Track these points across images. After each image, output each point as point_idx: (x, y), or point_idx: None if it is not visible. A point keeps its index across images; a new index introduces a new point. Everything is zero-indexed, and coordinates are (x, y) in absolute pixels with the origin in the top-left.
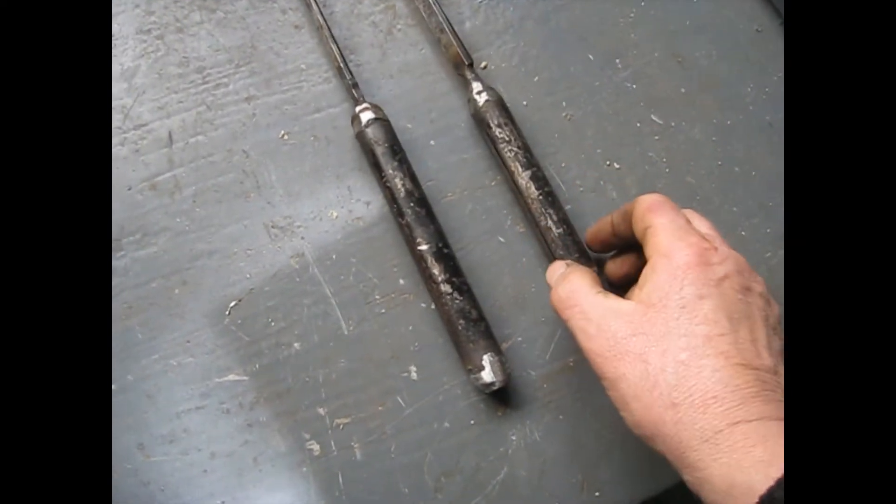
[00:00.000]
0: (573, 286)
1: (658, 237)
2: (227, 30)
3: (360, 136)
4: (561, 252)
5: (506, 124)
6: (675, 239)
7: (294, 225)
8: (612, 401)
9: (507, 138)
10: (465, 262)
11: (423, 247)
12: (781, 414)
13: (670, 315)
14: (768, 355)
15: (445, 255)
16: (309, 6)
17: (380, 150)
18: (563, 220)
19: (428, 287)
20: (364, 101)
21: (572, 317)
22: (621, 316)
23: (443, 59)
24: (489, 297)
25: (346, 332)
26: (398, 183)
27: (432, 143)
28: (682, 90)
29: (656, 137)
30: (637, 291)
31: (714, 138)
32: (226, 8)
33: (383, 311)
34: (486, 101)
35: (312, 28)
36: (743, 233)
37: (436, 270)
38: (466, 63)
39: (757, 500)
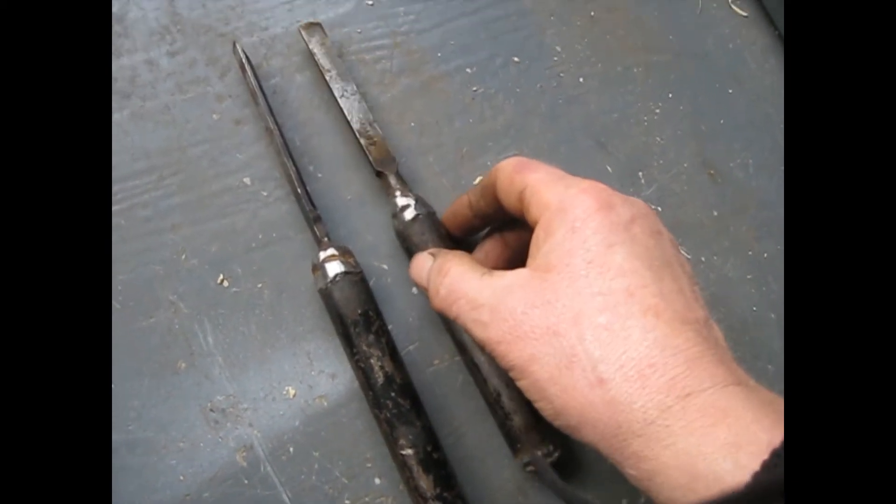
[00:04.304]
0: (453, 277)
1: (542, 193)
2: (145, 124)
3: (325, 295)
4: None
5: None
6: (563, 188)
7: (239, 407)
8: (525, 392)
9: None
10: (455, 451)
11: (408, 451)
12: (736, 377)
13: (576, 273)
14: (699, 306)
15: (436, 462)
16: (254, 95)
17: (350, 319)
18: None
19: (413, 499)
20: (329, 244)
21: (461, 311)
22: (516, 289)
23: (432, 170)
24: (486, 496)
25: None
26: (375, 365)
27: (415, 291)
28: (715, 213)
29: None
30: (530, 260)
31: (749, 276)
32: (143, 92)
33: None
34: (417, 216)
35: (258, 122)
36: None
37: (423, 483)
38: (383, 166)
39: (725, 493)
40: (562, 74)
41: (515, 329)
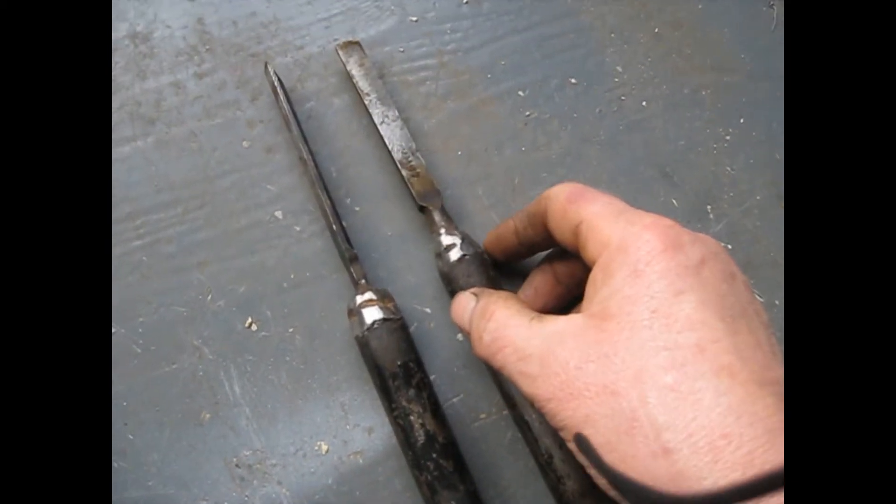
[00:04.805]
0: (498, 322)
1: (601, 229)
2: (170, 152)
3: (362, 344)
4: None
5: None
6: (625, 224)
7: (267, 463)
8: (578, 456)
9: None
10: None
11: None
12: None
13: (638, 324)
14: (777, 363)
15: None
16: (287, 122)
17: (389, 371)
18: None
19: None
20: (367, 287)
21: (506, 361)
22: (569, 339)
23: (481, 203)
24: None
25: None
26: (415, 422)
27: (460, 337)
28: None
29: None
30: (586, 304)
31: None
32: (169, 117)
33: None
34: (463, 256)
35: (291, 150)
36: None
37: None
38: (426, 200)
39: None
40: (623, 97)
41: (568, 385)
